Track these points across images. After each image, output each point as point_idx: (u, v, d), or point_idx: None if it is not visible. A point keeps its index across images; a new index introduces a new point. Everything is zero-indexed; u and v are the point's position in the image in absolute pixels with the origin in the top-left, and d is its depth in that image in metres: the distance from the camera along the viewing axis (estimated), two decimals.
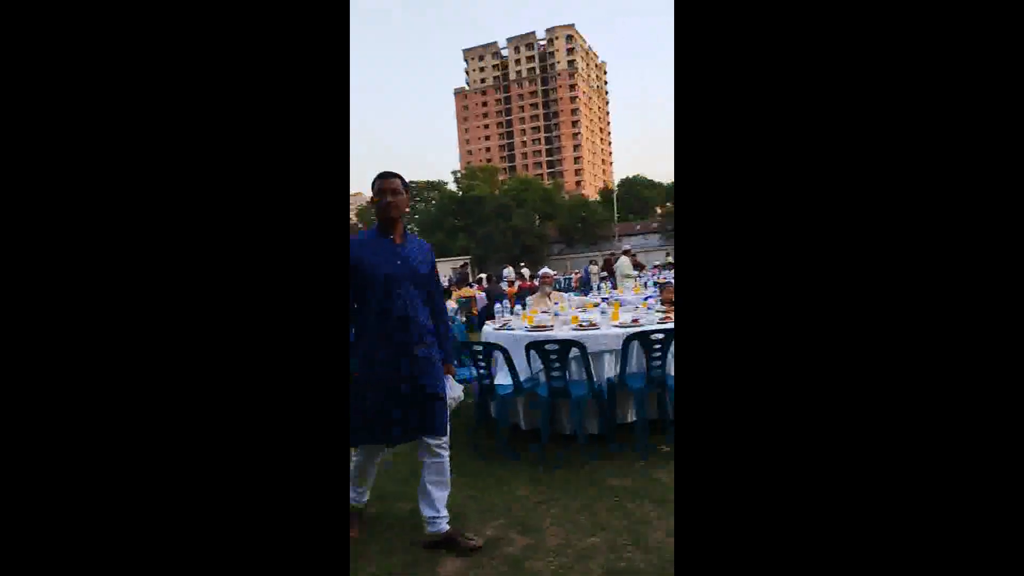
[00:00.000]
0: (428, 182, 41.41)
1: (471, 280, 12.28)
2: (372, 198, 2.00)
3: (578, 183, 63.50)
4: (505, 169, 60.77)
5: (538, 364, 2.90)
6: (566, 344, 2.82)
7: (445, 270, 16.09)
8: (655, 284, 5.97)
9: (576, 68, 68.01)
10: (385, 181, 1.97)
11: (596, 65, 76.26)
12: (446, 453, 2.03)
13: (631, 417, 3.06)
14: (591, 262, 13.82)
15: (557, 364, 2.81)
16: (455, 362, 2.33)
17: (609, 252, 15.21)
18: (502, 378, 3.07)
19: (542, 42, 69.57)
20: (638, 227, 36.91)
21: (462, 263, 20.58)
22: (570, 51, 68.27)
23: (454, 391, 2.12)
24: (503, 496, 2.47)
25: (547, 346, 2.81)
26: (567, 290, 10.38)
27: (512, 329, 3.39)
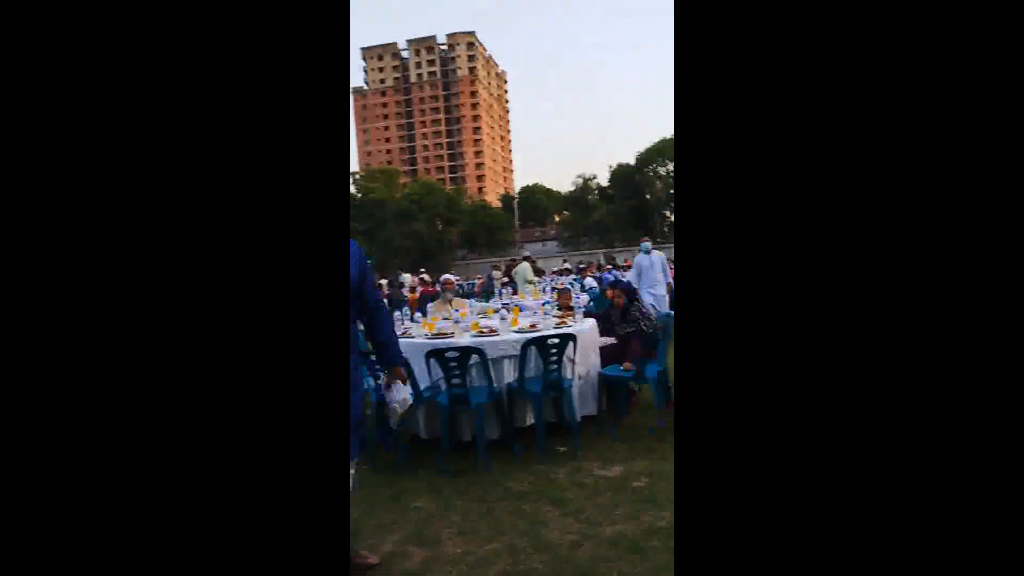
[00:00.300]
0: None
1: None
2: None
3: (480, 190, 64.03)
4: (406, 172, 59.60)
5: (438, 372, 2.87)
6: (466, 351, 2.82)
7: None
8: (553, 289, 6.18)
9: (477, 75, 68.68)
10: None
11: (496, 74, 77.57)
12: (353, 472, 1.94)
13: (529, 421, 3.14)
14: (494, 267, 14.00)
15: (457, 371, 2.80)
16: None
17: (511, 258, 15.48)
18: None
19: (443, 47, 69.40)
20: (537, 234, 38.03)
21: None
22: (471, 58, 68.80)
23: (400, 394, 2.03)
24: (401, 509, 2.41)
25: (447, 353, 2.79)
26: (470, 296, 10.39)
27: (412, 337, 3.32)
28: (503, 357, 3.07)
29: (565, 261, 19.07)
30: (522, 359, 2.93)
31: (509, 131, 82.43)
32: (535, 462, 2.82)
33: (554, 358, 2.92)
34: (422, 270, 14.74)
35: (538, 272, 10.21)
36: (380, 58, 70.21)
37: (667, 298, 6.53)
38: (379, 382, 2.83)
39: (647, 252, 6.39)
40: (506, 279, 9.33)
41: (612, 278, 8.16)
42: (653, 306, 5.76)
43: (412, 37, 70.32)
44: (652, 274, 6.29)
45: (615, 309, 3.76)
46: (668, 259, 7.14)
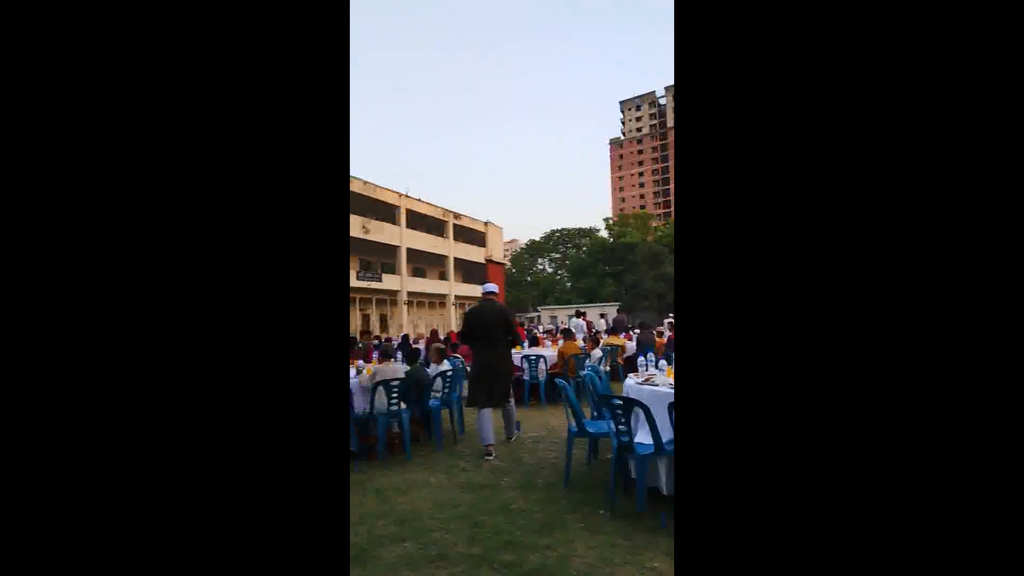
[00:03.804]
0: (579, 229, 42.24)
1: (628, 325, 12.02)
2: None
3: None
4: (660, 216, 59.40)
5: None
6: None
7: (594, 315, 16.02)
8: None
9: None
10: None
11: None
12: None
13: None
14: None
15: None
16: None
17: None
18: (643, 436, 2.92)
19: None
20: None
21: (618, 308, 20.20)
22: None
23: None
24: (633, 566, 2.32)
25: None
26: None
27: (656, 385, 3.23)
28: None
29: None
30: None
31: None
32: None
33: None
34: (670, 315, 14.25)
35: None
36: (637, 108, 72.71)
37: None
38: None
39: None
40: None
41: None
42: None
43: (670, 84, 70.99)
44: None
45: None
46: None
